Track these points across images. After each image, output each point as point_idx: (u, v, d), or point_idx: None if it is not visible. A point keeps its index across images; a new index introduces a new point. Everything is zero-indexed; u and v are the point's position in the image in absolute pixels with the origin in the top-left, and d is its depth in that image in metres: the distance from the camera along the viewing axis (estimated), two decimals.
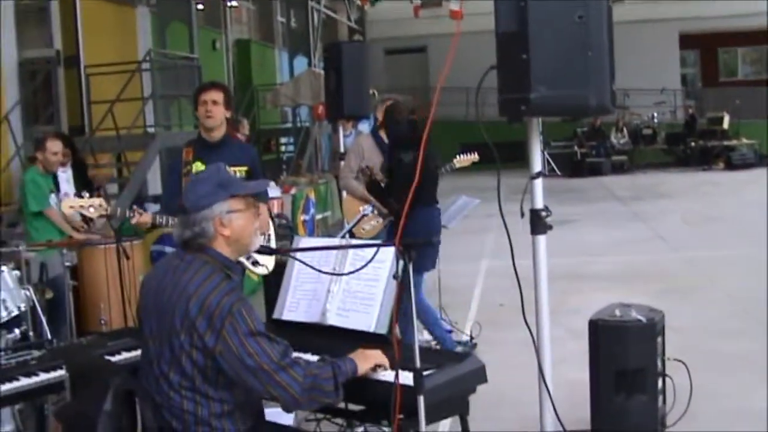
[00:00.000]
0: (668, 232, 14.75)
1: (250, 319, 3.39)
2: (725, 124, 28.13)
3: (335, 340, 4.11)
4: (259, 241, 3.81)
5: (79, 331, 7.21)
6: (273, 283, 5.35)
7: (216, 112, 6.18)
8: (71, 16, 14.86)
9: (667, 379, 5.67)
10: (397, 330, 3.89)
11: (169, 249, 8.42)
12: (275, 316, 4.48)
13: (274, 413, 3.90)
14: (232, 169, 5.76)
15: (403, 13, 28.75)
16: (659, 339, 5.56)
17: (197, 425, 3.47)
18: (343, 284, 4.26)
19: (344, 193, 8.29)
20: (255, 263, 6.04)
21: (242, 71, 24.09)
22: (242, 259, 3.74)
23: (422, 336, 7.28)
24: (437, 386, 3.68)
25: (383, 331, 4.05)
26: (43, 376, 4.52)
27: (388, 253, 4.10)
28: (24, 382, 4.46)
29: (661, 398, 5.59)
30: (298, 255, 4.35)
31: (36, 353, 4.84)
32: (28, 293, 6.20)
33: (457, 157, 8.28)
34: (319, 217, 15.69)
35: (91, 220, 7.72)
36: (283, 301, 4.48)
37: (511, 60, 4.47)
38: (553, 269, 5.07)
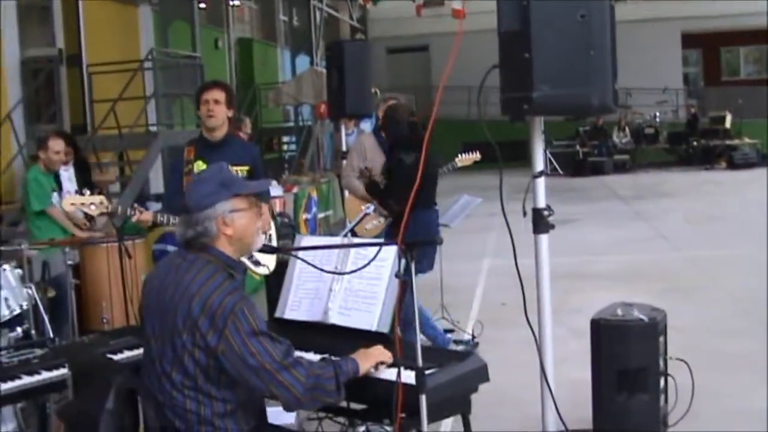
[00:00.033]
0: (670, 231, 14.74)
1: (253, 319, 3.39)
2: (727, 124, 28.12)
3: (337, 339, 4.11)
4: (262, 240, 3.80)
5: (81, 330, 7.21)
6: (275, 282, 5.35)
7: (218, 112, 6.17)
8: (74, 15, 14.87)
9: (669, 378, 5.66)
10: (398, 329, 3.89)
11: (171, 248, 8.42)
12: (277, 314, 4.48)
13: (276, 412, 3.90)
14: (234, 168, 5.76)
15: (405, 12, 28.76)
16: (661, 338, 5.56)
17: (200, 425, 3.47)
18: (345, 283, 4.26)
19: (346, 192, 8.29)
20: (256, 263, 6.04)
21: (244, 70, 24.10)
22: (243, 259, 3.73)
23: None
24: (439, 385, 3.68)
25: (385, 330, 4.05)
26: (45, 375, 4.52)
27: (390, 252, 4.10)
28: (26, 380, 4.46)
29: (663, 398, 5.58)
30: (300, 254, 4.35)
31: (38, 352, 4.84)
32: (30, 292, 6.20)
33: (459, 156, 8.28)
34: (321, 216, 15.70)
35: (92, 217, 7.72)
36: (285, 299, 4.48)
37: (514, 59, 4.47)
38: (555, 268, 5.07)
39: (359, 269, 4.04)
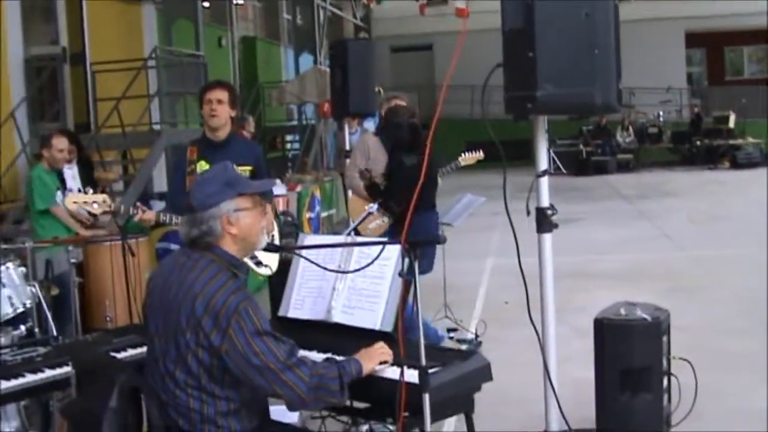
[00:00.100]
0: (674, 230, 14.73)
1: (257, 318, 3.40)
2: (731, 123, 28.09)
3: (340, 338, 4.11)
4: (266, 239, 3.80)
5: (84, 328, 7.21)
6: (278, 281, 5.35)
7: (221, 112, 6.15)
8: (77, 13, 14.88)
9: (673, 378, 5.66)
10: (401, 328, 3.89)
11: (174, 246, 8.43)
12: (280, 313, 4.48)
13: (278, 411, 3.90)
14: (237, 168, 5.75)
15: (409, 11, 28.74)
16: (665, 338, 5.55)
17: (203, 424, 3.48)
18: (349, 282, 4.26)
19: (349, 192, 8.29)
20: (258, 263, 6.03)
21: (248, 68, 24.11)
22: (245, 259, 3.73)
23: None
24: (442, 384, 3.68)
25: (388, 328, 4.05)
26: (48, 373, 4.52)
27: (394, 250, 4.10)
28: (29, 378, 4.46)
29: (666, 397, 5.58)
30: (304, 252, 4.35)
31: (41, 350, 4.84)
32: (33, 290, 6.20)
33: (462, 155, 8.28)
34: (324, 214, 15.71)
35: (95, 216, 7.72)
36: (289, 298, 4.48)
37: (518, 58, 4.47)
38: (559, 267, 5.07)
39: (362, 268, 4.04)
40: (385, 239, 4.09)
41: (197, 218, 3.54)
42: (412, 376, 3.58)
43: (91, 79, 14.88)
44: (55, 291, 7.13)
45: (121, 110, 13.67)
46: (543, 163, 4.83)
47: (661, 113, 29.56)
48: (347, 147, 8.98)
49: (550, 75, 4.39)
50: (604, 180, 24.83)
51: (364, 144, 8.04)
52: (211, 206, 3.53)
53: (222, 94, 6.17)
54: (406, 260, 3.72)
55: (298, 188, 14.71)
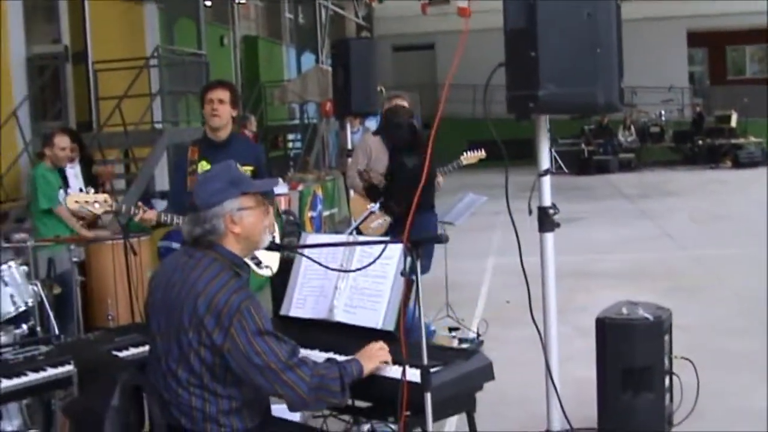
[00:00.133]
0: (676, 230, 14.73)
1: (259, 318, 3.40)
2: (733, 123, 28.06)
3: (342, 337, 4.11)
4: (269, 238, 3.80)
5: (86, 327, 7.21)
6: (280, 280, 5.35)
7: (222, 111, 6.12)
8: (79, 12, 14.89)
9: (674, 377, 5.66)
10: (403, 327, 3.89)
11: (176, 245, 8.42)
12: (282, 312, 4.48)
13: (280, 410, 3.90)
14: None
15: (411, 10, 28.71)
16: (666, 337, 5.55)
17: (205, 422, 3.48)
18: (351, 281, 4.27)
19: (351, 191, 8.29)
20: (259, 264, 6.02)
21: (250, 67, 24.11)
22: (246, 260, 3.73)
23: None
24: (444, 383, 3.68)
25: (390, 327, 4.05)
26: (50, 371, 4.52)
27: (396, 250, 4.10)
28: (31, 377, 4.46)
29: (668, 396, 5.58)
30: (306, 251, 4.36)
31: (43, 348, 4.84)
32: (35, 288, 6.21)
33: (464, 154, 8.27)
34: (326, 213, 15.71)
35: (98, 217, 7.72)
36: (291, 297, 4.48)
37: (520, 57, 4.48)
38: (561, 267, 5.07)
39: (365, 267, 4.04)
40: (387, 238, 4.09)
41: (200, 217, 3.54)
42: (413, 375, 3.58)
43: (93, 78, 14.88)
44: (57, 290, 7.13)
45: (123, 109, 13.67)
46: (545, 162, 4.84)
47: (662, 112, 29.52)
48: (349, 146, 8.98)
49: (552, 74, 4.39)
50: (605, 179, 24.82)
51: (366, 143, 8.04)
52: (215, 205, 3.53)
53: (223, 94, 6.14)
54: (408, 259, 3.72)
55: (300, 187, 14.71)
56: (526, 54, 4.41)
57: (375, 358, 3.74)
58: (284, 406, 3.61)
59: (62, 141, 8.18)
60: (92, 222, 8.31)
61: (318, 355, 3.88)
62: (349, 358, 3.70)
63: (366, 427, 5.12)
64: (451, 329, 8.29)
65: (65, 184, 8.30)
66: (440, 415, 3.80)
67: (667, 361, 5.55)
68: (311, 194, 14.90)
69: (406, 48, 35.74)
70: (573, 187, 21.87)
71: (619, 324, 5.44)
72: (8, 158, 12.22)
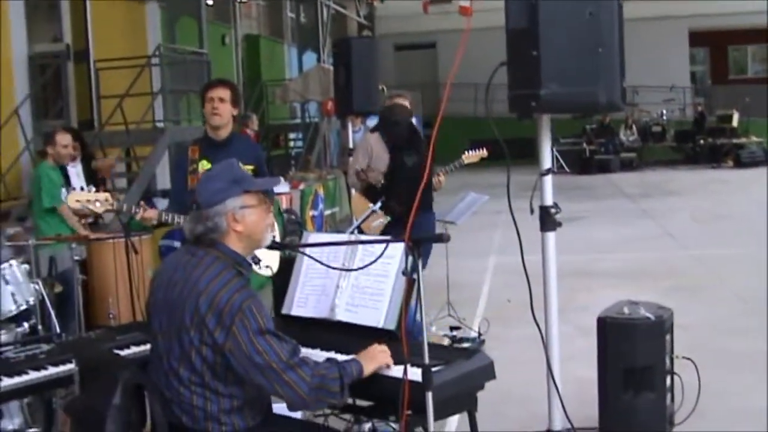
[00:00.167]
0: (677, 229, 14.73)
1: (260, 317, 3.40)
2: (734, 122, 28.06)
3: (344, 336, 4.11)
4: (271, 237, 3.81)
5: (87, 325, 7.21)
6: (281, 278, 5.35)
7: (223, 110, 6.09)
8: (81, 11, 14.90)
9: (676, 377, 5.66)
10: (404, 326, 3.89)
11: (177, 244, 8.42)
12: (284, 311, 4.48)
13: (282, 408, 3.90)
14: None
15: (413, 9, 28.75)
16: (668, 337, 5.55)
17: (207, 421, 3.48)
18: (352, 280, 4.26)
19: (353, 190, 8.28)
20: (258, 263, 6.00)
21: (251, 66, 24.11)
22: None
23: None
24: (445, 382, 3.68)
25: (392, 326, 4.05)
26: (51, 370, 4.52)
27: (397, 249, 4.10)
28: (33, 375, 4.46)
29: (669, 396, 5.58)
30: (307, 250, 4.36)
31: (45, 347, 4.85)
32: (37, 287, 6.21)
33: (466, 153, 8.26)
34: (327, 212, 15.71)
35: (99, 215, 7.72)
36: (292, 296, 4.48)
37: (522, 56, 4.47)
38: (562, 266, 5.07)
39: (366, 266, 4.04)
40: (388, 237, 4.09)
41: (203, 215, 3.55)
42: (415, 374, 3.57)
43: (95, 77, 14.89)
44: (58, 288, 7.14)
45: (124, 108, 13.68)
46: (547, 161, 4.83)
47: (664, 112, 29.52)
48: (350, 145, 8.98)
49: (554, 74, 4.39)
50: (607, 179, 24.82)
51: (366, 142, 8.03)
52: (217, 203, 3.54)
53: (224, 93, 6.12)
54: (410, 258, 3.71)
55: (302, 186, 14.72)
56: (528, 53, 4.41)
57: (376, 359, 3.73)
58: (283, 405, 3.61)
59: (64, 139, 8.19)
60: (94, 221, 8.31)
61: (319, 354, 3.88)
62: (349, 358, 3.70)
63: (367, 426, 5.12)
64: (452, 328, 8.29)
65: (67, 183, 8.30)
66: (441, 414, 3.79)
67: (668, 361, 5.55)
68: (313, 193, 14.90)
69: (407, 47, 35.76)
70: (574, 187, 21.87)
71: (620, 323, 5.43)
72: (10, 157, 12.22)
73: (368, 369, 3.67)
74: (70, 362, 4.50)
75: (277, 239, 6.41)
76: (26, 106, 12.99)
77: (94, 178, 9.19)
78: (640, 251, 12.85)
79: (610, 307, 5.68)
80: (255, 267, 5.91)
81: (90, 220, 8.28)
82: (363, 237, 5.04)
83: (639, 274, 10.96)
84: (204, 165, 6.03)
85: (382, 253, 3.95)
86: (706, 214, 16.47)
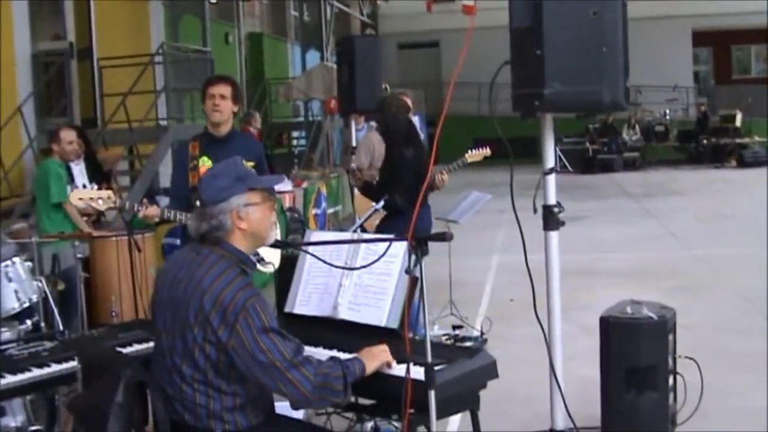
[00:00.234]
0: (680, 229, 14.72)
1: (264, 315, 3.40)
2: (738, 122, 28.07)
3: (346, 334, 4.11)
4: (275, 234, 3.81)
5: (90, 323, 7.23)
6: (284, 276, 5.35)
7: (224, 107, 6.06)
8: (84, 9, 14.91)
9: (678, 376, 5.66)
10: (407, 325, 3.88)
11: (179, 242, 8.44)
12: (287, 309, 4.48)
13: (284, 407, 3.90)
14: None
15: (416, 8, 28.78)
16: (670, 336, 5.55)
17: (209, 419, 3.48)
18: (355, 278, 4.26)
19: (356, 188, 8.27)
20: (261, 260, 5.98)
21: (255, 65, 24.12)
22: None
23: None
24: (448, 381, 3.67)
25: (394, 325, 4.05)
26: (54, 367, 4.52)
27: (400, 248, 4.10)
28: (36, 372, 4.46)
29: (671, 396, 5.58)
30: (310, 249, 4.36)
31: (48, 344, 4.84)
32: (40, 284, 6.22)
33: (469, 151, 8.25)
34: (330, 211, 15.71)
35: (102, 213, 7.73)
36: (295, 294, 4.48)
37: (525, 55, 4.47)
38: (565, 265, 5.07)
39: (369, 264, 4.04)
40: (391, 236, 4.08)
41: (207, 213, 3.55)
42: (417, 373, 3.57)
43: (98, 75, 14.90)
44: (61, 286, 7.15)
45: (127, 106, 13.69)
46: (550, 160, 4.83)
47: (667, 111, 29.54)
48: (353, 143, 8.98)
49: (557, 73, 4.38)
50: (610, 178, 24.82)
51: (369, 141, 7.99)
52: (222, 201, 3.54)
53: (225, 89, 6.08)
54: (413, 257, 3.71)
55: (305, 184, 14.72)
56: (532, 52, 4.41)
57: (378, 357, 3.73)
58: (287, 403, 3.61)
59: (69, 135, 8.20)
60: (96, 219, 8.32)
61: (322, 353, 3.88)
62: (351, 356, 3.70)
63: (369, 424, 5.13)
64: (454, 327, 8.29)
65: (71, 180, 8.31)
66: (444, 413, 3.79)
67: (670, 361, 5.54)
68: (315, 191, 14.90)
69: (411, 46, 35.78)
70: (577, 186, 21.87)
71: (623, 323, 5.43)
72: (13, 154, 12.23)
73: (370, 368, 3.67)
74: (73, 360, 4.50)
75: (279, 237, 6.41)
76: (30, 103, 12.99)
77: (99, 173, 9.20)
78: (642, 251, 12.85)
79: (612, 306, 5.68)
80: (258, 265, 5.92)
81: (93, 218, 8.30)
82: (366, 235, 5.03)
83: (642, 274, 10.96)
84: (204, 161, 6.02)
85: (385, 252, 3.95)
86: (709, 214, 16.47)
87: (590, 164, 26.89)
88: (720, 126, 28.43)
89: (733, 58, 39.51)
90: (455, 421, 5.79)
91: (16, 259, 6.06)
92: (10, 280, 5.92)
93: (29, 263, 6.23)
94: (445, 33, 31.94)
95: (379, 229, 7.05)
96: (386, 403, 3.84)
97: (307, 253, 4.40)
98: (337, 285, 4.31)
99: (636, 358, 5.37)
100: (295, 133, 25.77)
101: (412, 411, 3.57)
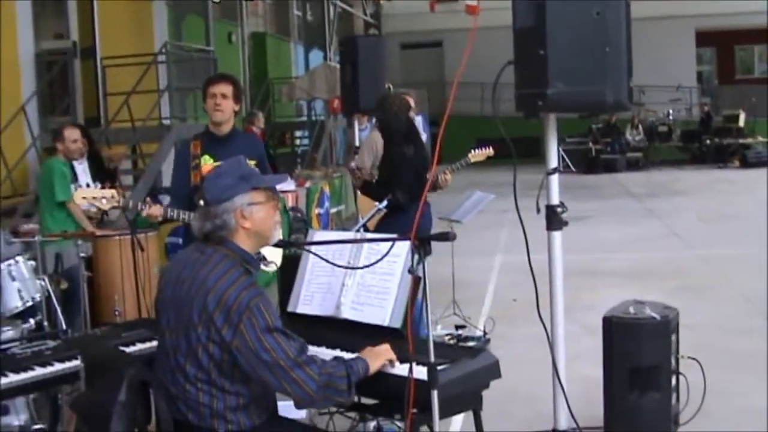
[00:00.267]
0: (683, 229, 14.72)
1: (268, 315, 3.40)
2: (741, 122, 28.04)
3: (349, 334, 4.11)
4: (279, 234, 3.81)
5: (93, 322, 7.23)
6: (287, 276, 5.35)
7: (225, 106, 6.05)
8: (88, 8, 14.91)
9: (681, 376, 5.65)
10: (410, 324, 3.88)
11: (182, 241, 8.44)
12: (290, 309, 4.49)
13: (286, 407, 3.90)
14: None
15: (419, 8, 28.73)
16: (673, 336, 5.54)
17: (212, 418, 3.49)
18: (358, 278, 4.26)
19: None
20: (263, 259, 5.97)
21: (258, 64, 24.12)
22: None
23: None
24: (451, 381, 3.67)
25: (397, 325, 4.05)
26: (57, 366, 4.52)
27: (403, 247, 4.10)
28: (39, 371, 4.46)
29: (674, 396, 5.57)
30: (313, 248, 4.36)
31: (51, 343, 4.85)
32: (43, 283, 6.22)
33: (472, 151, 8.25)
34: (333, 210, 15.71)
35: (105, 212, 7.74)
36: (298, 294, 4.49)
37: (529, 55, 4.48)
38: (568, 265, 5.07)
39: (372, 264, 4.04)
40: (394, 236, 4.08)
41: (211, 212, 3.55)
42: (420, 372, 3.57)
43: (102, 74, 14.90)
44: (64, 285, 7.14)
45: (131, 105, 13.69)
46: (553, 160, 4.84)
47: (670, 111, 29.53)
48: (357, 143, 8.98)
49: (560, 73, 4.39)
50: (613, 178, 24.81)
51: (372, 140, 7.98)
52: (225, 200, 3.54)
53: (226, 89, 6.07)
54: (416, 256, 3.71)
55: (308, 184, 14.72)
56: (535, 52, 4.41)
57: (381, 356, 3.73)
58: (289, 403, 3.61)
59: (73, 134, 8.20)
60: (100, 219, 8.32)
61: (325, 352, 3.88)
62: (354, 356, 3.70)
63: (372, 424, 5.13)
64: (457, 327, 8.29)
65: (74, 179, 8.31)
66: (447, 412, 3.79)
67: (673, 361, 5.54)
68: (318, 191, 14.90)
69: (414, 45, 35.79)
70: (580, 186, 21.86)
71: (626, 323, 5.42)
72: (16, 153, 12.23)
73: (374, 367, 3.68)
74: (76, 359, 4.50)
75: (280, 236, 6.41)
76: (33, 102, 12.99)
77: (102, 172, 9.19)
78: (646, 251, 12.84)
79: (615, 306, 5.67)
80: (262, 265, 5.92)
81: (97, 218, 8.30)
82: (369, 235, 5.03)
83: (645, 274, 10.95)
84: (206, 160, 6.02)
85: (388, 252, 3.95)
86: (713, 214, 16.46)
87: (593, 164, 26.89)
88: (723, 126, 28.42)
89: (737, 58, 39.48)
90: (458, 420, 5.79)
91: (20, 258, 6.06)
92: (13, 278, 5.92)
93: (32, 262, 6.23)
94: (449, 33, 31.97)
95: (379, 227, 7.03)
96: (389, 402, 3.84)
97: (310, 252, 4.40)
98: (340, 284, 4.31)
99: (639, 358, 5.37)
100: (298, 133, 25.76)
101: (414, 411, 3.57)
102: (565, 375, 4.92)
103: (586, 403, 5.55)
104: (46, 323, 6.21)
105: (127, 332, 5.02)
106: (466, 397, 3.90)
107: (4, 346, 4.88)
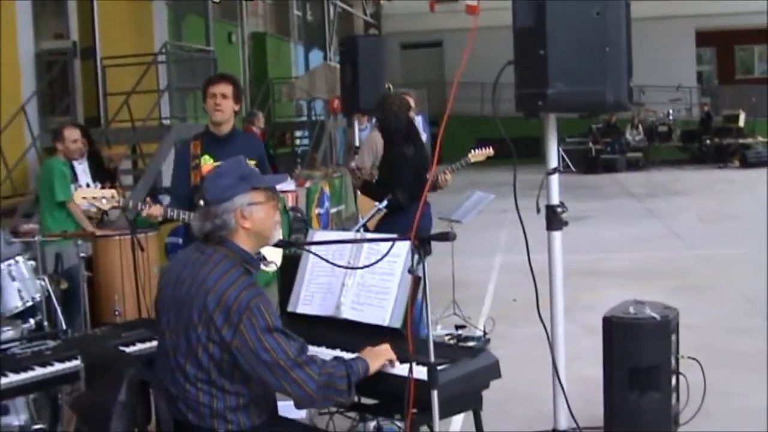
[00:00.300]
0: (683, 229, 14.72)
1: (268, 315, 3.40)
2: (741, 122, 28.05)
3: (349, 334, 4.11)
4: (279, 234, 3.81)
5: (93, 322, 7.23)
6: (287, 276, 5.35)
7: (225, 106, 6.05)
8: (88, 8, 14.91)
9: (681, 376, 5.65)
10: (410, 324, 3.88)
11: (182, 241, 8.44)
12: (290, 309, 4.49)
13: (286, 407, 3.90)
14: None
15: (419, 8, 28.72)
16: (673, 336, 5.54)
17: (212, 418, 3.49)
18: (358, 278, 4.26)
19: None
20: (263, 259, 5.97)
21: (258, 64, 24.12)
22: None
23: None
24: (451, 381, 3.67)
25: (397, 325, 4.05)
26: (57, 366, 4.52)
27: (403, 247, 4.10)
28: (39, 371, 4.46)
29: (674, 396, 5.57)
30: (313, 248, 4.36)
31: (51, 343, 4.85)
32: (43, 283, 6.22)
33: (472, 151, 8.25)
34: (333, 210, 15.71)
35: (105, 212, 7.74)
36: (298, 294, 4.49)
37: (529, 55, 4.48)
38: (568, 265, 5.07)
39: (372, 264, 4.04)
40: (394, 236, 4.08)
41: (211, 212, 3.55)
42: (420, 372, 3.57)
43: (102, 74, 14.90)
44: (64, 285, 7.14)
45: (131, 105, 13.69)
46: (553, 160, 4.84)
47: (670, 111, 29.53)
48: (357, 143, 8.97)
49: (560, 73, 4.39)
50: (613, 178, 24.81)
51: (372, 140, 7.98)
52: (225, 200, 3.54)
53: (226, 89, 6.07)
54: (416, 256, 3.71)
55: (308, 184, 14.72)
56: (535, 52, 4.42)
57: (381, 356, 3.73)
58: (289, 403, 3.61)
59: (73, 134, 8.20)
60: (100, 219, 8.32)
61: (325, 352, 3.89)
62: (354, 356, 3.71)
63: (372, 424, 5.13)
64: (457, 327, 8.29)
65: (74, 179, 8.31)
66: (447, 412, 3.79)
67: (673, 361, 5.54)
68: (318, 191, 14.90)
69: (414, 45, 35.79)
70: (580, 186, 21.86)
71: (626, 323, 5.42)
72: (16, 153, 12.23)
73: (374, 367, 3.68)
74: (76, 359, 4.51)
75: (280, 236, 6.41)
76: (33, 102, 12.99)
77: (102, 172, 9.19)
78: (646, 251, 12.84)
79: (615, 306, 5.67)
80: (262, 265, 5.91)
81: (98, 219, 8.30)
82: (369, 235, 5.03)
83: (645, 274, 10.96)
84: (206, 160, 6.02)
85: (388, 252, 3.95)
86: (713, 214, 16.46)
87: (593, 164, 26.89)
88: (723, 126, 28.42)
89: (737, 58, 39.49)
90: (458, 420, 5.79)
91: (20, 258, 6.06)
92: (13, 278, 5.92)
93: (32, 262, 6.23)
94: (449, 33, 31.98)
95: (379, 227, 7.03)
96: (389, 402, 3.84)
97: (310, 252, 4.40)
98: (340, 284, 4.31)
99: (639, 358, 5.37)
100: (298, 133, 25.76)
101: (414, 411, 3.57)
102: (565, 375, 4.92)
103: (586, 403, 5.55)
104: (46, 323, 6.21)
105: (127, 332, 5.02)
106: (466, 397, 3.90)
107: (4, 346, 4.88)
